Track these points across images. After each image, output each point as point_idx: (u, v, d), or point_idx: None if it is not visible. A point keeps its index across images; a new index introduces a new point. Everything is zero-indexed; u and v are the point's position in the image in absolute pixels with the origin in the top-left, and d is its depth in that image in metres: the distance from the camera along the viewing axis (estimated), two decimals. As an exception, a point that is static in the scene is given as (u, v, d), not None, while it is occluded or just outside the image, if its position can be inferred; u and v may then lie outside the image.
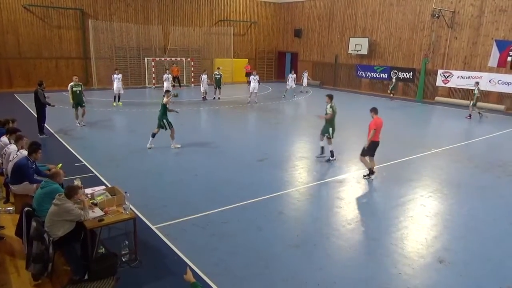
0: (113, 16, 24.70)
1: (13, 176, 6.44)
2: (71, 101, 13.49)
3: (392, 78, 23.47)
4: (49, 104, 12.12)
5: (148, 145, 10.78)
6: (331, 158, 10.10)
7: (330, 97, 10.05)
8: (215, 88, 20.68)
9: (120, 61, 25.21)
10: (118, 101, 17.97)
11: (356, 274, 5.14)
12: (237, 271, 5.14)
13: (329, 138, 9.99)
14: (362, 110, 19.68)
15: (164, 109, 10.62)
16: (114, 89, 17.78)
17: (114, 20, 24.66)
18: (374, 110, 8.84)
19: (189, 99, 21.16)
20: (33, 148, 6.52)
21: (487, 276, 5.19)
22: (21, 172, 6.32)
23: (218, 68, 21.87)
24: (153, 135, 10.78)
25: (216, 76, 20.62)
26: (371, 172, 8.91)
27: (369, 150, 8.80)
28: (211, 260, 5.36)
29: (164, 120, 10.69)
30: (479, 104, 17.45)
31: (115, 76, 17.77)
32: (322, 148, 10.27)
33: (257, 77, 20.27)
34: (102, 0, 24.16)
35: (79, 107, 13.54)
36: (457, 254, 5.74)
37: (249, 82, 21.29)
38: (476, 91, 16.91)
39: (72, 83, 13.58)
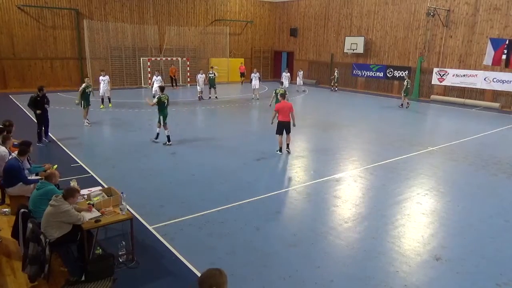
0: (108, 16, 24.61)
1: (6, 179, 6.41)
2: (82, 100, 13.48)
3: (335, 72, 25.64)
4: (42, 108, 11.11)
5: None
6: (167, 143, 11.25)
7: (161, 89, 11.55)
8: (209, 88, 20.71)
9: (116, 61, 25.15)
10: (106, 102, 17.42)
11: (353, 272, 5.16)
12: (235, 271, 5.13)
13: (164, 125, 11.22)
14: (358, 109, 19.78)
15: (277, 100, 13.17)
16: (100, 91, 16.98)
17: (109, 20, 24.57)
18: (282, 96, 10.89)
19: (184, 99, 21.13)
20: (23, 149, 6.56)
21: (483, 273, 5.22)
22: (13, 173, 6.28)
23: (212, 68, 21.84)
24: None
25: (210, 75, 20.54)
26: (280, 149, 10.66)
27: (277, 129, 10.52)
28: (209, 259, 5.35)
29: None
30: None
31: (101, 78, 17.00)
32: (158, 134, 11.46)
33: (257, 74, 21.15)
34: (97, 0, 24.07)
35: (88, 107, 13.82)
36: (454, 251, 5.77)
37: (251, 80, 21.60)
38: (405, 83, 19.17)
39: (85, 84, 13.50)
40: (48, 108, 11.35)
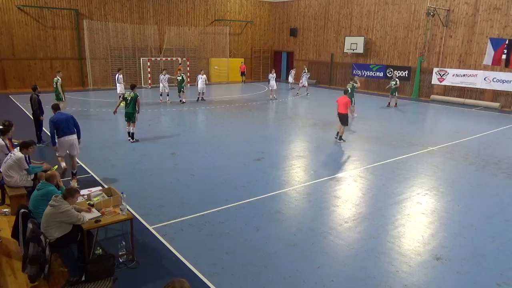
0: (108, 16, 24.61)
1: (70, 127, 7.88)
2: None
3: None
4: (39, 114, 11.02)
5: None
6: (129, 140, 11.69)
7: (131, 86, 11.88)
8: (178, 92, 19.36)
9: (116, 61, 25.13)
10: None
11: (353, 272, 5.16)
12: (235, 271, 5.13)
13: (128, 122, 11.61)
14: (358, 109, 19.76)
15: (353, 92, 15.11)
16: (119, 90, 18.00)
17: (109, 20, 24.57)
18: (344, 91, 12.74)
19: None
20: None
21: (483, 273, 5.22)
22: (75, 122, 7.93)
23: (179, 70, 20.42)
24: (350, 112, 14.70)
25: (178, 78, 19.17)
26: (340, 137, 12.20)
27: (339, 120, 12.10)
28: (209, 260, 5.36)
29: (353, 99, 14.85)
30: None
31: (117, 75, 18.09)
32: (129, 133, 11.69)
33: (274, 75, 21.56)
34: (96, 0, 24.08)
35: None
36: (454, 251, 5.77)
37: (268, 81, 21.60)
38: (397, 82, 19.44)
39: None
40: (46, 108, 11.40)
